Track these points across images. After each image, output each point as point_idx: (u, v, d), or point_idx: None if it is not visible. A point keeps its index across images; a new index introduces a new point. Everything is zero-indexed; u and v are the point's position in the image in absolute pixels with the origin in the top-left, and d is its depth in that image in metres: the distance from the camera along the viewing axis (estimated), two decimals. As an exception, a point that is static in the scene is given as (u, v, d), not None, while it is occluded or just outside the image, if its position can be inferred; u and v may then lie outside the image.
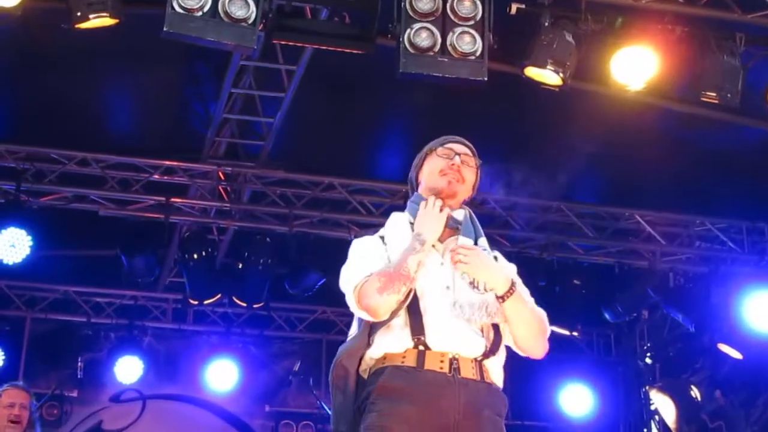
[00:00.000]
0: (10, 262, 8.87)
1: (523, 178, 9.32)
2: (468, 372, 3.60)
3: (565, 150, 8.94)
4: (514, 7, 6.61)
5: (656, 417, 11.47)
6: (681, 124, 8.50)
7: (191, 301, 10.49)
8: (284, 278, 10.09)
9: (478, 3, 6.20)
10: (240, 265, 9.94)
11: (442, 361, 3.59)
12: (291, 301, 11.29)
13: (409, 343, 3.61)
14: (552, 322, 3.84)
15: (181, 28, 5.79)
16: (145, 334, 11.60)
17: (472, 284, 3.66)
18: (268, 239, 9.69)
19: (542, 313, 3.78)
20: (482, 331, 3.68)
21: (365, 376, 3.68)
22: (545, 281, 9.51)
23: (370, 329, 3.68)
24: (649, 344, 11.83)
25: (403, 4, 6.15)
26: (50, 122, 8.78)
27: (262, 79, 8.34)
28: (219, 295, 10.32)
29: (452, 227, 3.75)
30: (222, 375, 11.51)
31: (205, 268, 9.81)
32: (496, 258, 3.81)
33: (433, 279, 3.68)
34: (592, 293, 10.19)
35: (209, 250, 9.76)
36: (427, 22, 6.12)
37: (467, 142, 3.96)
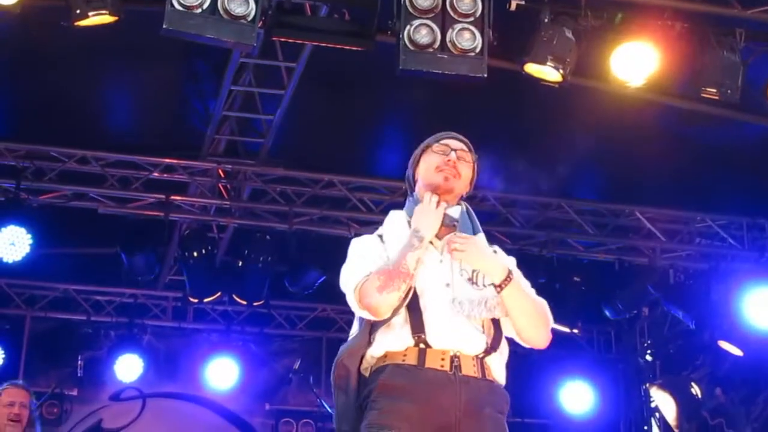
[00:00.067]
0: (10, 261, 8.86)
1: (523, 174, 9.33)
2: (469, 369, 3.60)
3: (565, 146, 8.95)
4: (513, 4, 6.60)
5: (657, 414, 11.48)
6: (681, 120, 8.50)
7: (191, 299, 10.50)
8: (284, 276, 10.09)
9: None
10: (240, 263, 9.93)
11: (443, 359, 3.59)
12: (291, 299, 11.28)
13: (410, 342, 3.61)
14: (552, 319, 3.83)
15: (180, 25, 5.77)
16: (145, 333, 11.59)
17: (471, 280, 3.66)
18: (268, 237, 9.68)
19: (543, 303, 3.78)
20: (483, 327, 3.67)
21: (366, 375, 3.68)
22: (545, 278, 9.50)
23: (371, 328, 3.68)
24: (649, 341, 11.84)
25: (402, 0, 6.14)
26: (50, 120, 8.77)
27: (261, 77, 8.33)
28: (219, 293, 10.32)
29: (449, 224, 3.75)
30: (222, 373, 11.51)
31: (205, 266, 9.81)
32: (495, 252, 3.80)
33: (433, 276, 3.68)
34: (593, 290, 10.19)
35: (209, 247, 9.76)
36: (427, 18, 6.11)
37: (463, 138, 3.96)
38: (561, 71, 6.71)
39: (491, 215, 9.66)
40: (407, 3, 6.11)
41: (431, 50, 6.08)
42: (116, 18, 6.25)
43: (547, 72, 6.78)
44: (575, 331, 10.71)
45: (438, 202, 3.76)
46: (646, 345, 11.87)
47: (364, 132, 9.15)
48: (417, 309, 3.63)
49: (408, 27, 6.08)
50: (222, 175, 9.50)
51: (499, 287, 3.65)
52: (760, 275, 9.68)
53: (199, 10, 5.78)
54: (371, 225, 9.03)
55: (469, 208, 3.90)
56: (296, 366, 10.63)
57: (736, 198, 9.70)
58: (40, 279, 11.16)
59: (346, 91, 8.46)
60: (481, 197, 9.51)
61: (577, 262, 10.18)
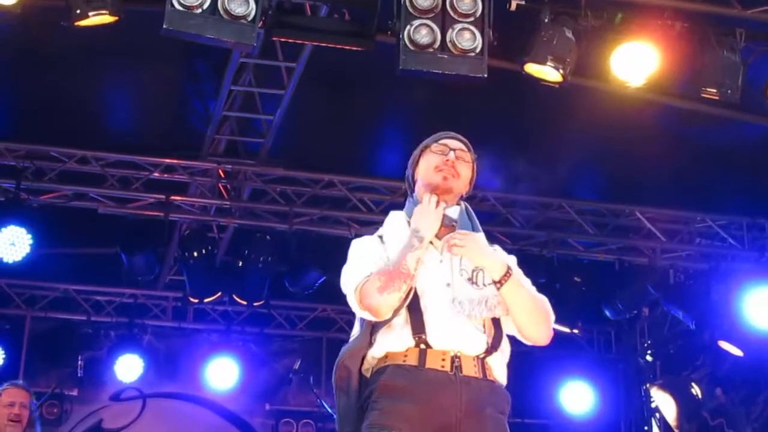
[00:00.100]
0: (10, 261, 8.86)
1: (523, 174, 9.33)
2: (470, 370, 3.60)
3: (566, 146, 8.95)
4: (513, 4, 6.60)
5: (657, 414, 11.47)
6: (681, 120, 8.50)
7: (191, 299, 10.50)
8: (284, 276, 10.09)
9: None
10: (240, 263, 9.93)
11: (443, 360, 3.59)
12: (291, 299, 11.28)
13: (411, 342, 3.61)
14: (553, 315, 3.83)
15: (180, 25, 5.77)
16: (145, 333, 11.60)
17: (471, 280, 3.67)
18: (268, 237, 9.68)
19: (544, 299, 3.78)
20: (484, 327, 3.67)
21: (368, 376, 3.69)
22: (545, 278, 9.49)
23: (372, 329, 3.68)
24: (649, 341, 11.83)
25: (402, 0, 6.13)
26: (50, 120, 8.77)
27: (261, 77, 8.33)
28: (219, 293, 10.32)
29: (448, 224, 3.75)
30: (222, 373, 11.51)
31: (205, 266, 9.81)
32: (494, 251, 3.80)
33: (433, 276, 3.69)
34: (593, 290, 10.19)
35: (209, 248, 9.76)
36: (427, 18, 6.10)
37: (462, 138, 3.97)
38: (561, 71, 6.71)
39: (491, 215, 9.66)
40: (407, 3, 6.11)
41: (431, 50, 6.08)
42: (116, 18, 6.25)
43: (547, 72, 6.78)
44: (575, 331, 10.70)
45: (437, 203, 3.76)
46: (646, 345, 11.87)
47: (365, 132, 9.15)
48: (417, 309, 3.63)
49: (408, 27, 6.08)
50: (222, 175, 9.50)
51: (499, 283, 3.65)
52: (760, 275, 9.68)
53: (199, 10, 5.78)
54: (371, 225, 9.04)
55: (469, 207, 3.90)
56: (296, 366, 10.63)
57: (736, 198, 9.70)
58: (41, 279, 11.16)
59: (346, 91, 8.46)
60: (481, 197, 9.51)
61: (577, 262, 10.19)
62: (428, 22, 6.09)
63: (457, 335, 3.61)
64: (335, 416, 3.77)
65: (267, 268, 9.84)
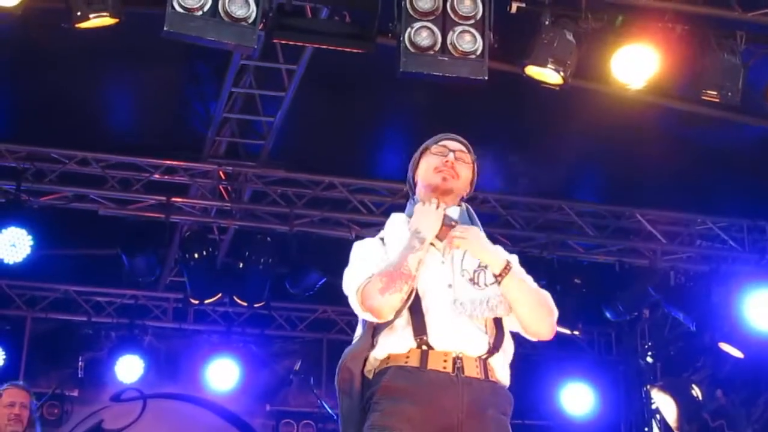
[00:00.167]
0: (11, 262, 8.87)
1: (523, 175, 9.34)
2: (472, 371, 3.60)
3: (566, 148, 8.95)
4: (514, 6, 6.60)
5: (657, 416, 11.47)
6: (681, 122, 8.50)
7: (192, 301, 10.50)
8: (285, 277, 10.09)
9: (479, 2, 6.18)
10: (241, 265, 9.94)
11: (445, 361, 3.59)
12: (292, 301, 11.29)
13: (412, 343, 3.62)
14: (556, 310, 3.83)
15: (181, 27, 5.78)
16: (146, 334, 11.60)
17: (473, 281, 3.67)
18: (268, 238, 9.69)
19: (546, 293, 3.78)
20: (486, 327, 3.68)
21: (370, 377, 3.69)
22: (546, 280, 9.46)
23: (374, 330, 3.69)
24: (650, 343, 11.83)
25: (403, 3, 6.13)
26: (50, 122, 8.78)
27: (262, 79, 8.34)
28: (220, 295, 10.32)
29: (449, 225, 3.76)
30: (222, 374, 11.51)
31: (206, 267, 9.81)
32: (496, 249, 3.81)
33: (435, 277, 3.69)
34: (593, 292, 10.19)
35: (210, 249, 9.76)
36: (428, 21, 6.11)
37: (462, 139, 3.98)
38: (561, 73, 6.71)
39: (492, 217, 9.66)
40: (408, 5, 6.11)
41: (432, 52, 6.09)
42: (117, 20, 6.25)
43: (547, 74, 6.78)
44: (576, 332, 10.71)
45: (438, 204, 3.77)
46: (646, 347, 11.87)
47: (365, 134, 9.16)
48: (419, 311, 3.63)
49: (409, 29, 6.08)
50: (223, 176, 9.50)
51: (500, 276, 3.66)
52: (760, 277, 9.68)
53: (200, 13, 5.78)
54: (372, 227, 9.05)
55: (470, 208, 3.91)
56: (297, 367, 10.65)
57: (736, 200, 9.70)
58: (41, 280, 11.16)
59: (346, 93, 8.46)
60: (482, 199, 9.51)
61: (577, 263, 10.18)
62: (429, 24, 6.09)
63: (459, 336, 3.62)
64: (339, 418, 3.77)
65: (267, 270, 9.85)
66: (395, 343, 3.64)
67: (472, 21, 6.14)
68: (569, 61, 6.71)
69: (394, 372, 3.60)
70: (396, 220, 3.90)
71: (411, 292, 3.61)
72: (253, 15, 5.88)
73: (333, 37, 6.57)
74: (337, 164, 9.46)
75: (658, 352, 11.71)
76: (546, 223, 10.02)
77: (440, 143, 3.93)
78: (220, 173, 9.47)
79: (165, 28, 5.75)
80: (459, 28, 6.11)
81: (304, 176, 9.57)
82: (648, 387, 11.57)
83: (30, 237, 8.84)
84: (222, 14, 5.82)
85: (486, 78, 6.15)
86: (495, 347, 3.67)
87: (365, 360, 3.70)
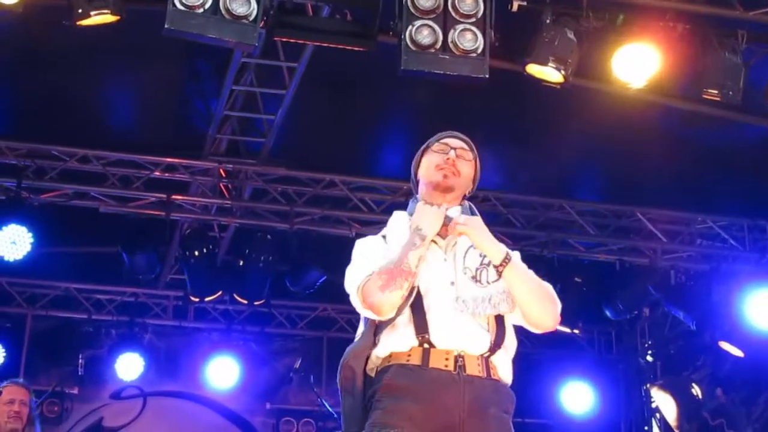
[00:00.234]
0: (11, 259, 8.87)
1: (524, 174, 9.34)
2: (474, 369, 3.60)
3: (567, 147, 8.95)
4: (515, 4, 6.59)
5: (657, 415, 11.47)
6: (682, 121, 8.50)
7: (192, 298, 10.51)
8: (285, 275, 10.10)
9: (480, 0, 6.19)
10: (241, 263, 9.94)
11: (447, 359, 3.59)
12: (292, 299, 11.30)
13: (414, 342, 3.62)
14: (559, 301, 3.83)
15: (182, 25, 5.78)
16: (146, 331, 11.59)
17: (475, 278, 3.67)
18: (269, 236, 9.68)
19: (548, 285, 3.80)
20: (488, 325, 3.67)
21: (372, 375, 3.69)
22: (546, 279, 9.48)
23: (376, 328, 3.69)
24: (650, 342, 11.83)
25: (404, 1, 6.13)
26: (51, 119, 8.78)
27: (263, 76, 8.33)
28: (220, 292, 10.33)
29: (449, 223, 3.76)
30: (223, 372, 11.52)
31: (206, 265, 9.82)
32: None
33: (437, 275, 3.69)
34: (593, 291, 10.20)
35: (210, 247, 9.76)
36: (429, 19, 6.11)
37: (464, 137, 3.98)
38: (562, 72, 6.70)
39: (492, 215, 9.65)
40: (409, 3, 6.11)
41: (433, 51, 6.08)
42: (118, 17, 6.26)
43: (548, 73, 6.78)
44: (576, 331, 10.72)
45: (439, 203, 3.78)
46: (646, 345, 11.87)
47: (366, 132, 9.16)
48: (420, 309, 3.64)
49: (410, 27, 6.08)
50: (223, 174, 9.50)
51: (501, 266, 3.66)
52: (760, 276, 9.68)
53: (201, 10, 5.78)
54: (372, 225, 9.06)
55: (473, 206, 3.91)
56: (297, 365, 10.65)
57: (736, 199, 9.70)
58: (41, 278, 11.16)
59: (347, 91, 8.46)
60: (482, 197, 9.51)
61: (578, 262, 10.18)
62: (430, 22, 6.09)
63: (461, 334, 3.62)
64: (341, 417, 3.77)
65: (268, 268, 9.85)
66: (397, 342, 3.64)
67: (473, 19, 6.14)
68: (570, 60, 6.71)
69: (395, 370, 3.60)
70: (398, 217, 3.90)
71: (412, 289, 3.61)
72: (254, 12, 5.88)
73: (334, 35, 6.58)
74: (337, 162, 9.46)
75: (658, 350, 11.71)
76: (546, 222, 10.02)
77: (441, 141, 3.94)
78: (221, 171, 9.47)
79: (166, 26, 5.74)
80: (460, 27, 6.11)
81: (304, 174, 9.57)
82: (648, 386, 11.57)
83: (30, 234, 8.84)
84: (223, 12, 5.82)
85: (487, 76, 6.14)
86: (497, 345, 3.67)
87: (367, 358, 3.70)
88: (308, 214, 9.63)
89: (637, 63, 6.86)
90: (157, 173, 9.32)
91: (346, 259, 3.81)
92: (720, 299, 9.77)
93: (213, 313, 11.93)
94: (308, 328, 12.15)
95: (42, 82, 8.20)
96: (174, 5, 5.73)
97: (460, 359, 3.60)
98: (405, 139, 8.95)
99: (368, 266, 3.67)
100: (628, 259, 10.17)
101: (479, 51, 6.11)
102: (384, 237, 3.85)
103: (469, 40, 6.09)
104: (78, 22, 6.21)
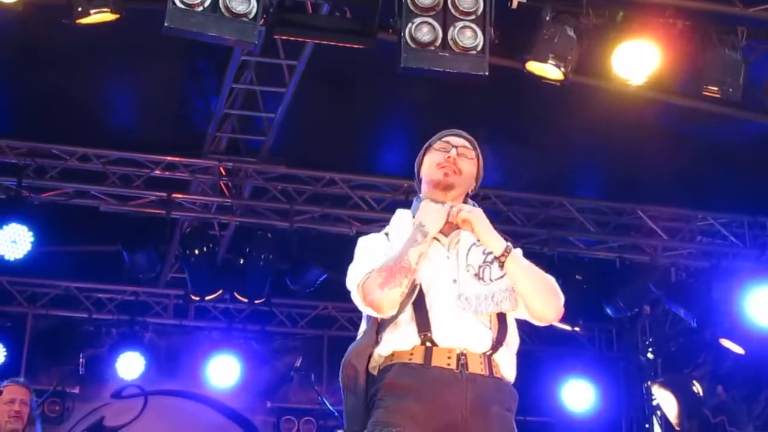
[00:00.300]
0: (12, 258, 8.88)
1: (524, 171, 9.33)
2: (476, 367, 3.60)
3: (567, 144, 8.95)
4: (515, 2, 6.58)
5: (658, 412, 11.48)
6: (682, 118, 8.50)
7: (192, 297, 10.51)
8: (285, 274, 10.10)
9: (480, -3, 6.19)
10: (241, 261, 9.94)
11: (449, 357, 3.59)
12: (292, 297, 11.30)
13: (416, 340, 3.62)
14: (561, 293, 3.83)
15: (182, 23, 5.77)
16: (147, 330, 11.60)
17: (478, 276, 3.67)
18: (269, 235, 9.68)
19: (551, 277, 3.78)
20: (490, 323, 3.67)
21: (375, 374, 3.69)
22: (546, 276, 9.49)
23: (378, 327, 3.68)
24: (650, 339, 11.84)
25: (404, -2, 6.14)
26: (51, 118, 8.78)
27: (263, 75, 8.33)
28: (220, 291, 10.33)
29: (452, 221, 3.77)
30: (223, 371, 11.51)
31: (207, 263, 9.82)
32: None
33: (439, 273, 3.69)
34: (594, 288, 10.19)
35: (210, 245, 9.76)
36: (428, 16, 6.10)
37: (466, 135, 3.98)
38: (562, 69, 6.70)
39: (492, 213, 9.54)
40: (408, 1, 6.10)
41: (433, 48, 6.08)
42: (118, 16, 6.25)
43: (548, 70, 6.78)
44: (577, 329, 10.72)
45: (442, 200, 3.78)
46: (647, 343, 11.87)
47: (366, 130, 9.15)
48: (423, 307, 3.64)
49: (409, 25, 6.07)
50: (223, 172, 9.51)
51: (502, 256, 3.66)
52: (761, 273, 9.68)
53: (201, 8, 5.78)
54: (372, 223, 9.06)
55: (476, 204, 3.91)
56: (298, 364, 10.65)
57: (737, 196, 9.69)
58: (42, 277, 11.16)
59: (347, 88, 8.45)
60: (483, 195, 9.49)
61: (578, 260, 10.19)
62: (429, 20, 6.08)
63: (463, 332, 3.62)
64: (343, 415, 3.77)
65: (268, 266, 9.85)
66: (399, 340, 3.64)
67: (472, 16, 6.13)
68: (570, 57, 6.71)
69: (398, 369, 3.60)
70: (401, 215, 3.91)
71: (414, 287, 3.61)
72: (254, 10, 5.88)
73: (334, 33, 6.57)
74: (337, 160, 9.46)
75: (659, 348, 11.71)
76: (547, 220, 10.02)
77: (443, 139, 3.95)
78: (221, 169, 9.48)
79: (166, 24, 5.74)
80: (460, 24, 6.10)
81: (304, 172, 9.57)
82: (649, 383, 11.57)
83: (31, 233, 8.84)
84: (223, 10, 5.81)
85: (487, 74, 6.14)
86: (499, 342, 3.67)
87: (369, 356, 3.70)
88: (308, 212, 9.63)
89: (637, 60, 6.86)
90: (157, 172, 9.32)
91: (347, 258, 3.81)
92: (720, 296, 9.77)
93: (213, 312, 11.93)
94: (309, 326, 12.15)
95: (42, 81, 8.20)
96: (174, 3, 5.73)
97: (463, 357, 3.60)
98: (405, 136, 8.95)
99: (369, 264, 3.68)
100: (628, 256, 10.17)
101: (479, 48, 6.10)
102: (387, 234, 3.85)
103: (469, 37, 6.09)
104: (78, 21, 6.20)
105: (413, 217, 3.81)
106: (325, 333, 12.08)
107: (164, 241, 9.80)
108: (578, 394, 11.84)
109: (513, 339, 3.75)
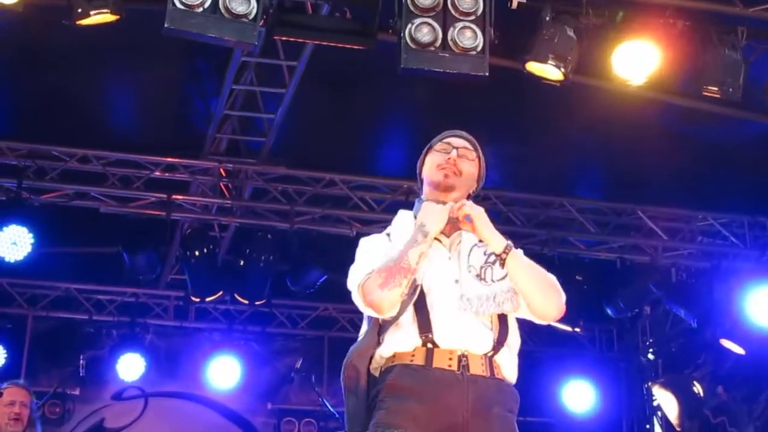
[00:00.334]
0: (12, 260, 8.87)
1: (524, 172, 9.32)
2: (477, 369, 3.60)
3: (567, 145, 8.94)
4: (515, 2, 6.58)
5: (659, 413, 11.47)
6: (682, 118, 8.49)
7: (193, 299, 10.51)
8: (286, 275, 10.10)
9: (479, -2, 6.19)
10: (241, 262, 9.94)
11: (450, 359, 3.59)
12: (293, 298, 11.30)
13: (418, 341, 3.62)
14: (562, 290, 3.83)
15: (181, 24, 5.77)
16: (147, 332, 11.59)
17: (479, 276, 3.67)
18: (269, 236, 9.67)
19: (552, 276, 3.79)
20: (491, 324, 3.67)
21: (376, 375, 3.70)
22: (546, 277, 9.48)
23: (380, 328, 3.69)
24: (651, 340, 11.83)
25: (404, -1, 6.14)
26: (51, 119, 8.77)
27: (263, 75, 8.33)
28: (221, 292, 10.33)
29: (454, 222, 3.76)
30: (224, 372, 11.51)
31: (207, 265, 9.81)
32: None
33: (441, 274, 3.70)
34: (594, 289, 10.18)
35: (211, 247, 9.76)
36: (428, 17, 6.10)
37: (467, 136, 3.99)
38: (562, 69, 6.70)
39: (492, 214, 9.46)
40: (408, 1, 6.10)
41: (433, 49, 6.08)
42: (118, 17, 6.25)
43: (548, 70, 6.77)
44: (577, 329, 10.71)
45: (444, 201, 3.78)
46: (648, 343, 11.86)
47: (366, 131, 9.15)
48: (424, 307, 3.64)
49: (409, 25, 6.07)
50: (223, 174, 9.50)
51: (504, 253, 3.66)
52: (761, 274, 9.67)
53: (201, 9, 5.77)
54: (373, 224, 9.06)
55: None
56: (298, 365, 10.64)
57: (737, 196, 9.69)
58: (42, 278, 11.16)
59: (347, 89, 8.45)
60: (483, 196, 9.47)
61: (578, 260, 10.18)
62: (429, 20, 6.08)
63: (464, 333, 3.62)
64: (344, 416, 3.76)
65: (268, 267, 9.85)
66: (401, 341, 3.64)
67: (472, 17, 6.13)
68: (570, 57, 6.71)
69: (399, 371, 3.60)
70: (403, 216, 3.91)
71: (415, 288, 3.61)
72: (254, 11, 5.87)
73: (334, 34, 6.57)
74: (337, 161, 9.46)
75: (660, 348, 11.70)
76: (547, 220, 10.01)
77: (444, 140, 3.96)
78: (221, 170, 9.47)
79: (166, 25, 5.74)
80: (460, 24, 6.10)
81: (304, 173, 9.56)
82: (649, 384, 11.56)
83: (31, 235, 8.84)
84: (222, 11, 5.81)
85: (487, 74, 6.13)
86: (500, 343, 3.67)
87: (371, 358, 3.70)
88: (309, 213, 9.63)
89: (637, 60, 6.85)
90: (157, 173, 9.32)
91: (347, 258, 3.81)
92: (721, 297, 9.76)
93: (214, 313, 11.93)
94: (309, 327, 12.15)
95: (42, 82, 8.20)
96: (173, 4, 5.72)
97: (464, 359, 3.60)
98: (405, 137, 8.95)
99: (370, 264, 3.68)
100: (628, 256, 10.17)
101: (479, 49, 6.10)
102: (389, 235, 3.86)
103: (469, 37, 6.08)
104: (77, 22, 6.20)
105: (415, 218, 3.81)
106: (325, 334, 12.08)
107: (164, 243, 9.80)
108: (579, 394, 11.84)
109: (514, 340, 3.75)
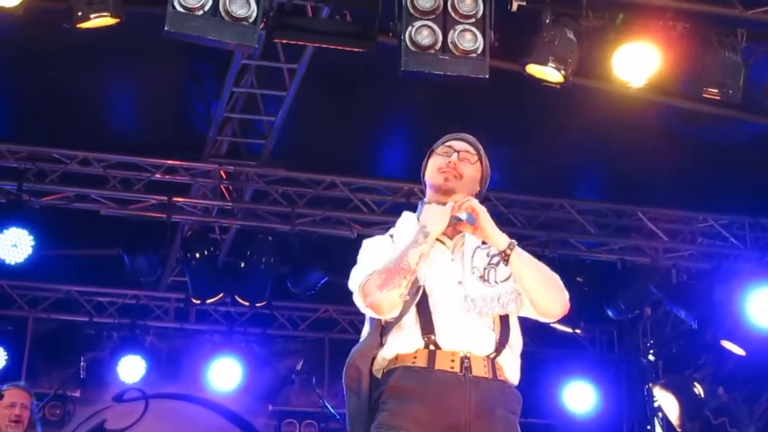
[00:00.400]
0: (12, 262, 8.87)
1: (524, 174, 9.32)
2: (480, 370, 3.61)
3: (567, 147, 8.95)
4: (515, 5, 6.58)
5: (659, 414, 11.47)
6: (682, 120, 8.50)
7: (193, 300, 10.49)
8: (286, 277, 10.10)
9: (479, 0, 6.19)
10: (242, 264, 9.94)
11: (452, 361, 3.60)
12: (293, 300, 11.29)
13: (420, 343, 3.63)
14: (565, 289, 3.83)
15: (182, 27, 5.78)
16: (148, 334, 11.59)
17: (483, 278, 3.68)
18: (270, 238, 9.68)
19: (555, 274, 3.81)
20: (494, 325, 3.68)
21: (378, 376, 3.70)
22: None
23: (382, 329, 3.69)
24: (651, 341, 11.83)
25: (404, 2, 6.14)
26: (52, 122, 8.78)
27: (263, 78, 8.33)
28: (221, 294, 10.32)
29: (455, 224, 3.77)
30: (225, 374, 11.51)
31: (208, 267, 9.81)
32: None
33: (444, 275, 3.70)
34: (595, 290, 10.18)
35: (211, 249, 9.76)
36: (428, 19, 6.11)
37: (470, 139, 4.00)
38: (562, 72, 6.70)
39: (492, 215, 9.53)
40: (408, 4, 6.12)
41: (433, 51, 6.09)
42: (118, 20, 6.25)
43: (548, 73, 6.78)
44: (578, 331, 10.70)
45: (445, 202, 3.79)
46: (648, 345, 11.86)
47: (366, 133, 9.15)
48: (426, 308, 3.65)
49: (409, 28, 6.08)
50: (224, 176, 9.50)
51: (507, 250, 3.67)
52: (762, 275, 9.67)
53: (201, 12, 5.79)
54: (373, 226, 9.07)
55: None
56: (299, 367, 10.62)
57: (737, 197, 9.69)
58: (43, 280, 11.16)
59: (347, 92, 8.46)
60: (483, 197, 9.48)
61: (579, 262, 10.18)
62: (429, 23, 6.09)
63: (467, 334, 3.62)
64: (346, 417, 3.77)
65: (269, 269, 9.85)
66: (403, 343, 3.64)
67: (472, 20, 6.14)
68: (570, 60, 6.71)
69: (401, 372, 3.61)
70: (406, 218, 3.92)
71: (418, 288, 3.62)
72: (254, 14, 5.88)
73: (334, 36, 6.58)
74: (338, 163, 9.46)
75: (660, 350, 11.70)
76: (547, 222, 10.01)
77: (446, 144, 3.97)
78: (222, 173, 9.47)
79: (166, 28, 5.75)
80: (460, 27, 6.12)
81: (305, 175, 9.57)
82: (650, 385, 11.56)
83: (31, 237, 8.84)
84: (223, 14, 5.82)
85: (487, 77, 6.15)
86: (502, 344, 3.68)
87: (373, 359, 3.71)
88: (309, 215, 9.63)
89: (637, 62, 6.85)
90: (157, 175, 9.32)
91: (348, 260, 3.82)
92: (721, 298, 9.76)
93: (214, 315, 11.93)
94: (310, 329, 12.15)
95: (42, 85, 8.20)
96: (174, 7, 5.73)
97: (466, 360, 3.60)
98: (405, 139, 8.96)
99: (372, 265, 3.69)
100: (629, 258, 10.17)
101: (479, 51, 6.11)
102: (392, 237, 3.86)
103: (469, 40, 6.09)
104: (78, 25, 6.20)
105: (418, 220, 3.82)
106: (326, 336, 12.08)
107: (165, 245, 9.80)
108: (579, 395, 11.84)
109: (516, 341, 3.76)
